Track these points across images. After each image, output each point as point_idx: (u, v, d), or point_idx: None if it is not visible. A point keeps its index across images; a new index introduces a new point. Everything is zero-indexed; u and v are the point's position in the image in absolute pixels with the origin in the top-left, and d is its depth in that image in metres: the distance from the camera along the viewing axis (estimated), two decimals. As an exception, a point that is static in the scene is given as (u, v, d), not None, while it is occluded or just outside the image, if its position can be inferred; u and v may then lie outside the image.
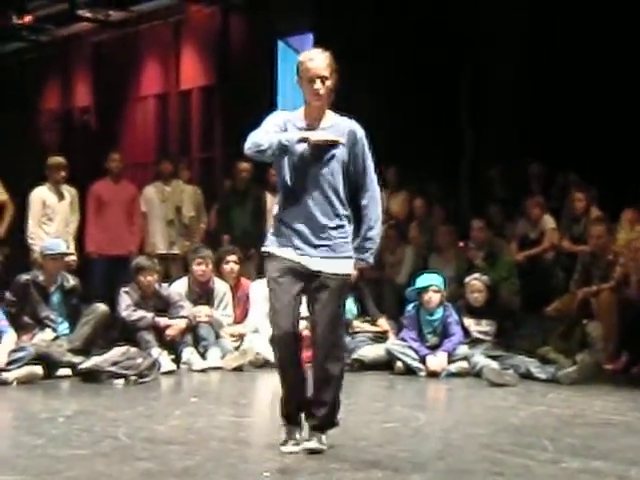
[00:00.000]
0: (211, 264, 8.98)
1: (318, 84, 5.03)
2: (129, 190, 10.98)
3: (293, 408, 5.19)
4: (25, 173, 11.45)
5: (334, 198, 5.08)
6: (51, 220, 10.15)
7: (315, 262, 5.04)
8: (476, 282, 8.68)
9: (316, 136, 5.02)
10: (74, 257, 9.67)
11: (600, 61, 10.69)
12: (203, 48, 16.31)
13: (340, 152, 5.07)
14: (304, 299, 5.14)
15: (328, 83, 5.06)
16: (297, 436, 5.18)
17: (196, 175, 14.42)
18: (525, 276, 10.09)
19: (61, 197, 10.24)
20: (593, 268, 9.28)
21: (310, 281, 5.06)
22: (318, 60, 5.06)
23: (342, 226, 5.10)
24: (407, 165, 11.59)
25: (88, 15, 16.25)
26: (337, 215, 5.09)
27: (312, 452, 5.06)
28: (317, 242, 5.05)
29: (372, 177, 5.18)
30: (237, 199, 11.24)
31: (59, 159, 10.45)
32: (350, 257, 5.12)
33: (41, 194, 10.19)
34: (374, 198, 5.18)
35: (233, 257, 9.27)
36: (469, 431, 5.84)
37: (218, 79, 15.92)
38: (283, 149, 4.98)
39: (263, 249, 5.18)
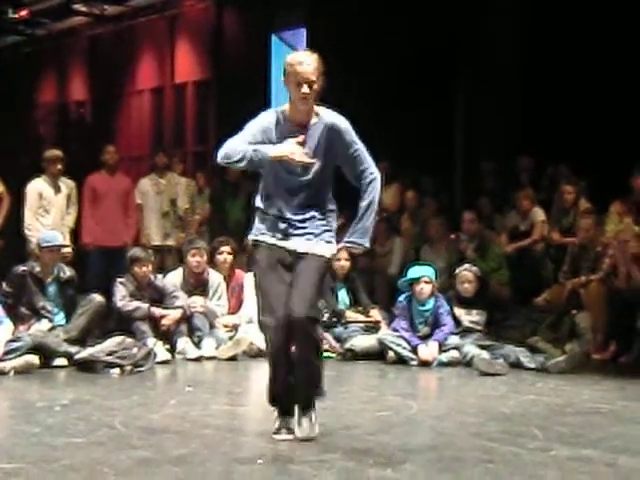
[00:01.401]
0: (205, 255, 9.00)
1: (305, 88, 4.96)
2: (124, 182, 10.98)
3: (282, 394, 5.20)
4: (21, 165, 11.45)
5: (318, 194, 5.11)
6: (47, 212, 10.17)
7: (299, 244, 5.06)
8: (466, 273, 8.70)
9: (287, 153, 4.92)
10: (70, 249, 9.68)
11: (590, 59, 10.72)
12: (198, 42, 16.31)
13: (322, 151, 5.05)
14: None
15: (315, 87, 5.01)
16: (290, 425, 5.19)
17: (190, 168, 14.42)
18: (515, 267, 10.13)
19: (57, 189, 10.25)
20: (582, 259, 9.32)
21: (295, 264, 5.07)
22: (306, 64, 4.99)
23: (325, 218, 5.13)
24: (402, 159, 11.60)
25: (84, 9, 16.24)
26: (321, 208, 5.12)
27: (305, 440, 5.08)
28: (302, 232, 5.07)
29: (368, 163, 5.14)
30: (229, 191, 11.26)
31: (55, 152, 10.46)
32: (330, 242, 5.13)
33: (37, 186, 10.20)
34: (373, 185, 5.13)
35: (227, 248, 9.27)
36: (460, 420, 5.85)
37: (212, 73, 15.93)
38: (256, 164, 4.97)
39: (250, 238, 5.20)
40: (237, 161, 4.93)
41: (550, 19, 11.17)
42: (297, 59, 5.03)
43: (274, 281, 5.05)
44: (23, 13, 16.56)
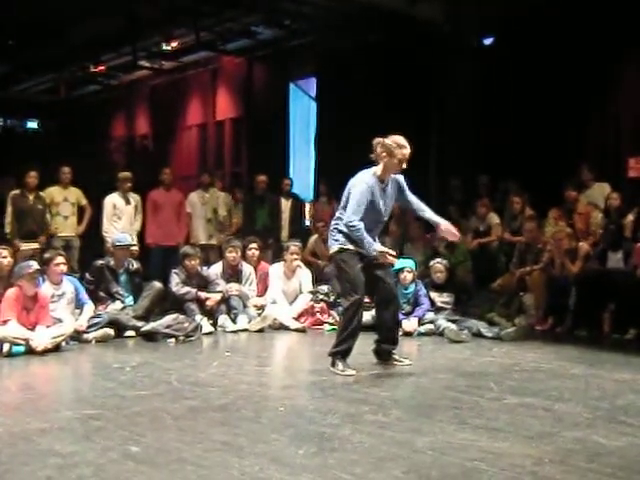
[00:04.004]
0: (240, 251, 9.00)
1: (405, 164, 5.80)
2: (178, 196, 10.98)
3: (350, 348, 5.85)
4: (100, 184, 11.47)
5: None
6: (120, 219, 10.19)
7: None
8: (439, 265, 8.69)
9: (382, 253, 5.73)
10: (137, 247, 9.70)
11: (530, 107, 10.75)
12: (233, 89, 16.30)
13: (394, 196, 5.99)
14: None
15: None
16: (346, 365, 5.81)
17: (228, 185, 14.43)
18: (476, 259, 10.10)
19: (127, 202, 10.27)
20: (527, 254, 9.29)
21: (370, 263, 5.83)
22: (408, 148, 5.81)
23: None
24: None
25: (147, 64, 16.24)
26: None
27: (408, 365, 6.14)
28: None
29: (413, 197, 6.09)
30: (257, 203, 11.26)
31: (126, 173, 10.50)
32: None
33: (112, 199, 10.23)
34: (418, 201, 6.10)
35: (255, 245, 9.28)
36: (434, 376, 5.86)
37: (244, 112, 15.92)
38: (368, 253, 5.72)
39: (341, 246, 5.84)
40: (359, 238, 5.65)
41: (497, 78, 11.19)
42: (402, 143, 5.82)
43: (359, 274, 5.77)
44: (100, 68, 16.62)
